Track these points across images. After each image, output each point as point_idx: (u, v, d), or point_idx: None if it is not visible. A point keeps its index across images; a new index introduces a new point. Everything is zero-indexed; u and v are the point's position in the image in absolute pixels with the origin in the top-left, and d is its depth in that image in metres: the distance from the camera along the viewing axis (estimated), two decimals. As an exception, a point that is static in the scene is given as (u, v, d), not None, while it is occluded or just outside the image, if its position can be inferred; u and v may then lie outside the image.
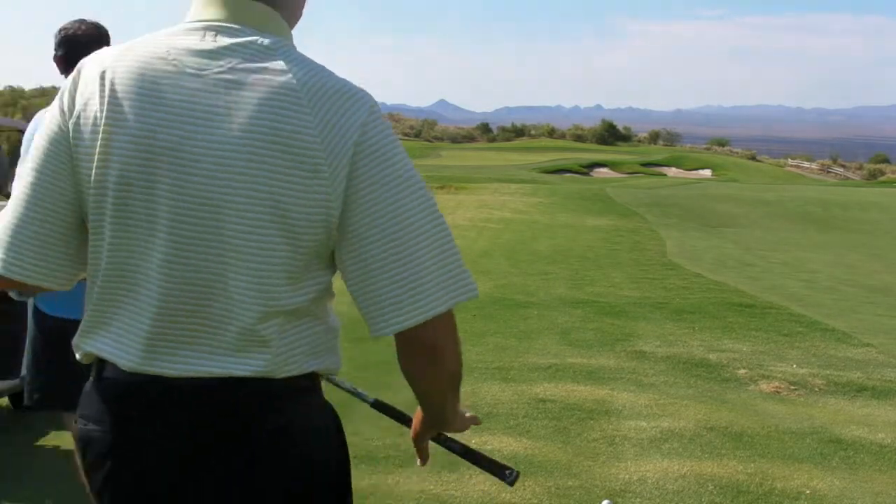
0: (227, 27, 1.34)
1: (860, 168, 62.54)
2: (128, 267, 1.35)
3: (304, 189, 1.28)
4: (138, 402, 1.36)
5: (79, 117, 1.34)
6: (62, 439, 4.82)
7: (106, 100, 1.32)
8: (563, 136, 77.56)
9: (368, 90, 1.35)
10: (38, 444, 4.80)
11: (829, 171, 60.57)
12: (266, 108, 1.27)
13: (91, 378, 1.42)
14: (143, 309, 1.34)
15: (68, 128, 1.35)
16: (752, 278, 12.65)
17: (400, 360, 1.39)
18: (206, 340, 1.33)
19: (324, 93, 1.30)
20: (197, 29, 1.34)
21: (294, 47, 1.37)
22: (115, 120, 1.31)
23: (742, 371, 6.62)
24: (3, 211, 1.40)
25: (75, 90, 1.36)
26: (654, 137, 78.88)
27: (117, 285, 1.36)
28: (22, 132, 5.73)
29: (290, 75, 1.29)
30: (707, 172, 54.62)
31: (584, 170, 51.63)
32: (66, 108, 1.36)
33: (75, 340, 1.44)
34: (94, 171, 1.33)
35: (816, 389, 6.20)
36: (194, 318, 1.33)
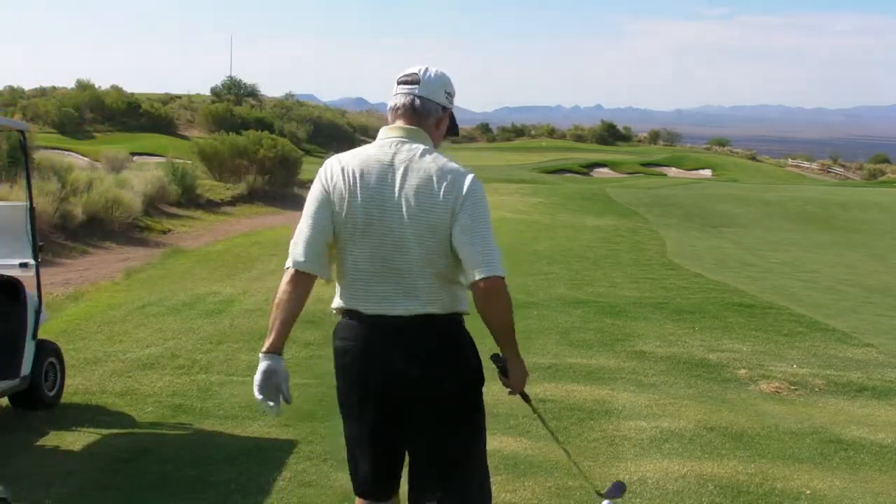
0: (403, 141, 2.68)
1: (860, 168, 62.28)
2: (366, 261, 2.63)
3: (441, 217, 2.58)
4: (377, 328, 2.64)
5: (332, 191, 2.66)
6: (62, 439, 4.82)
7: (347, 180, 2.64)
8: (563, 137, 77.30)
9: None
10: (38, 444, 4.80)
11: (829, 171, 60.34)
12: (424, 182, 2.60)
13: (346, 318, 2.70)
14: (377, 280, 2.63)
15: (328, 192, 2.66)
16: (752, 278, 12.64)
17: (475, 302, 2.61)
18: (406, 298, 2.61)
19: (450, 174, 2.62)
20: (387, 142, 2.69)
21: (434, 150, 2.69)
22: (354, 190, 2.63)
23: (742, 371, 6.62)
24: (296, 237, 2.70)
25: (328, 177, 2.68)
26: (654, 137, 78.55)
27: (363, 271, 2.64)
28: (22, 132, 5.74)
29: (434, 165, 2.63)
30: (707, 172, 54.39)
31: (584, 170, 51.46)
32: (324, 182, 2.68)
33: (337, 304, 2.73)
34: (343, 218, 2.63)
35: (817, 389, 6.20)
36: (399, 284, 2.61)
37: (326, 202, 2.66)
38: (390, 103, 2.74)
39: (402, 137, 2.68)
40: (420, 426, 2.69)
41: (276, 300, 2.64)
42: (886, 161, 66.76)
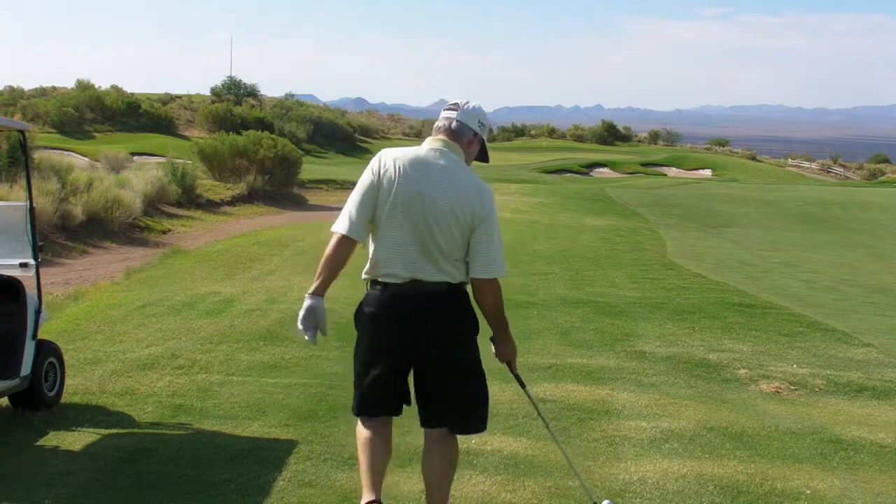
0: (444, 151, 3.42)
1: (860, 168, 62.19)
2: (408, 238, 3.31)
3: (470, 221, 3.33)
4: (408, 291, 3.31)
5: (382, 175, 3.35)
6: (62, 439, 4.82)
7: (398, 171, 3.34)
8: (563, 137, 77.19)
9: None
10: (38, 444, 4.79)
11: (829, 171, 60.25)
12: (462, 190, 3.34)
13: (377, 287, 3.35)
14: (415, 254, 3.30)
15: (376, 179, 3.35)
16: (752, 278, 12.64)
17: (473, 292, 3.40)
18: (432, 268, 3.30)
19: (481, 188, 3.39)
20: (433, 149, 3.43)
21: (466, 165, 3.48)
22: (402, 179, 3.32)
23: (742, 371, 6.62)
24: (345, 210, 3.36)
25: (380, 164, 3.37)
26: (654, 137, 78.37)
27: (403, 245, 3.31)
28: (22, 132, 5.74)
29: (470, 178, 3.39)
30: (707, 172, 54.31)
31: (584, 170, 51.39)
32: (375, 171, 3.37)
33: (368, 274, 3.40)
34: (391, 199, 3.31)
35: (817, 389, 6.20)
36: (428, 258, 3.30)
37: (374, 186, 3.35)
38: (436, 123, 3.56)
39: (444, 148, 3.44)
40: (439, 354, 3.37)
41: (324, 258, 3.34)
42: (886, 161, 66.68)
